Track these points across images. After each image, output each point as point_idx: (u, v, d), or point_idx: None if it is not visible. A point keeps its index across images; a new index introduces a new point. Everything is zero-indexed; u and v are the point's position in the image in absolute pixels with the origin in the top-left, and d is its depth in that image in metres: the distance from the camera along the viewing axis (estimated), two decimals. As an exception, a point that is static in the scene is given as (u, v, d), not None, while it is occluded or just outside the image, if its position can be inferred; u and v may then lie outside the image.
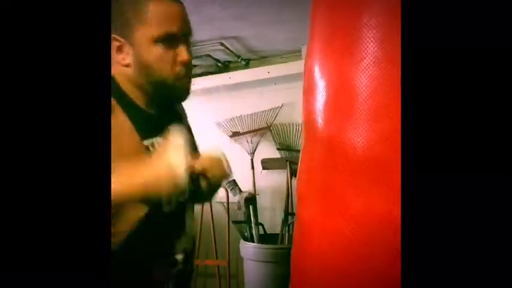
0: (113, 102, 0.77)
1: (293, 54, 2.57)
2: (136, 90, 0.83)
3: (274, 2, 1.82)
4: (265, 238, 2.35)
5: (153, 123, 0.85)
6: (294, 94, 2.43)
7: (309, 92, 0.79)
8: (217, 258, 2.51)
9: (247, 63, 2.71)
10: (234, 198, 2.38)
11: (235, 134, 2.58)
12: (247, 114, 2.55)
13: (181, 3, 0.85)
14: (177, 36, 0.81)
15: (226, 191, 2.43)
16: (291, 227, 2.27)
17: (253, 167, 2.51)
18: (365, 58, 0.66)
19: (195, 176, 0.84)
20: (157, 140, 0.83)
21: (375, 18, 0.65)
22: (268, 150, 2.54)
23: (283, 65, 2.53)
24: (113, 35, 0.81)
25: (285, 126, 2.52)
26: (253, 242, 2.29)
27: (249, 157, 2.54)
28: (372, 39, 0.65)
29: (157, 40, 0.79)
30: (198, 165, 0.83)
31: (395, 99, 0.59)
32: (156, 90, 0.84)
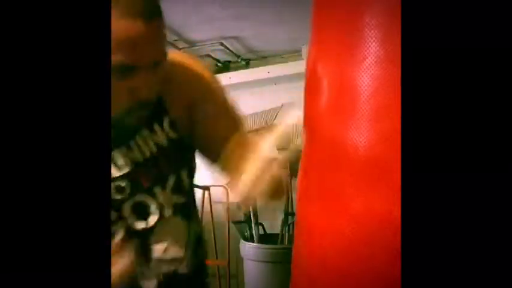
0: None
1: (293, 54, 2.58)
2: None
3: (275, 2, 1.82)
4: (265, 238, 2.35)
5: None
6: (294, 94, 2.43)
7: (310, 91, 0.79)
8: (217, 258, 2.51)
9: (247, 63, 2.71)
10: (234, 198, 2.37)
11: (235, 134, 2.57)
12: (247, 114, 2.55)
13: (155, 18, 0.65)
14: (135, 67, 0.65)
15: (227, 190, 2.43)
16: (291, 227, 2.27)
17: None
18: (367, 58, 0.66)
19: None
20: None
21: (376, 18, 0.65)
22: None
23: (283, 65, 2.54)
24: None
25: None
26: (253, 242, 2.29)
27: (249, 157, 2.53)
28: (373, 39, 0.65)
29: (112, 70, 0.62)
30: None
31: (396, 99, 0.59)
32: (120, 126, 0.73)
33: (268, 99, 2.56)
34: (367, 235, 0.66)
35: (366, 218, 0.66)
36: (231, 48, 2.43)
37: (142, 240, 0.83)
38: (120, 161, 0.80)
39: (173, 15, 1.81)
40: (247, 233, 2.33)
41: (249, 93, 2.65)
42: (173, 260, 0.85)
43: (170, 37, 2.12)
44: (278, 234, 2.27)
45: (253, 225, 2.29)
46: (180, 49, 2.34)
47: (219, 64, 2.66)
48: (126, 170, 0.80)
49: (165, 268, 0.84)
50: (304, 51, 2.32)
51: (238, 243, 2.30)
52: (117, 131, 0.74)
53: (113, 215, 0.79)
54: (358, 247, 0.67)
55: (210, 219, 2.47)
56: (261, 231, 2.34)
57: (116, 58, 0.61)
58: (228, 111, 0.90)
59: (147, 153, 0.81)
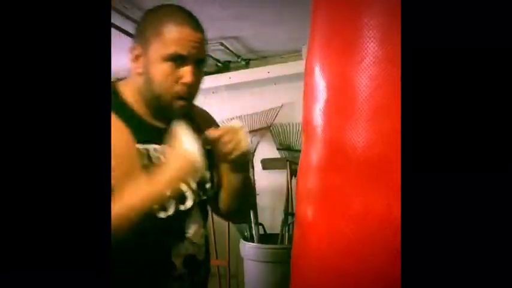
0: None
1: (293, 54, 2.57)
2: (140, 99, 0.90)
3: (275, 2, 1.82)
4: (265, 238, 2.35)
5: (152, 132, 0.90)
6: (294, 94, 2.43)
7: (309, 92, 0.79)
8: (217, 258, 2.51)
9: (247, 63, 2.71)
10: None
11: (235, 134, 2.57)
12: (247, 114, 2.54)
13: (202, 32, 0.90)
14: (186, 58, 0.86)
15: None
16: (291, 227, 2.27)
17: (253, 167, 2.51)
18: (365, 58, 0.66)
19: (210, 147, 0.88)
20: (154, 147, 0.87)
21: (376, 18, 0.65)
22: (268, 150, 2.54)
23: (283, 65, 2.53)
24: (134, 44, 0.89)
25: (285, 126, 2.52)
26: (253, 242, 2.29)
27: (249, 157, 2.53)
28: (372, 39, 0.65)
29: (167, 58, 0.85)
30: (212, 133, 0.88)
31: (395, 99, 0.59)
32: (154, 103, 0.89)
33: (268, 99, 2.55)
34: (367, 235, 0.66)
35: (366, 218, 0.66)
36: (231, 48, 2.42)
37: (181, 221, 0.92)
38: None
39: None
40: (247, 233, 2.33)
41: (249, 93, 2.65)
42: (195, 245, 0.95)
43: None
44: (278, 234, 2.27)
45: (253, 225, 2.29)
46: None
47: (219, 64, 2.65)
48: None
49: (190, 250, 0.94)
50: (304, 51, 2.32)
51: (238, 243, 2.30)
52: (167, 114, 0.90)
53: None
54: (358, 247, 0.67)
55: (210, 219, 2.47)
56: (261, 231, 2.34)
57: (173, 49, 0.84)
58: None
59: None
